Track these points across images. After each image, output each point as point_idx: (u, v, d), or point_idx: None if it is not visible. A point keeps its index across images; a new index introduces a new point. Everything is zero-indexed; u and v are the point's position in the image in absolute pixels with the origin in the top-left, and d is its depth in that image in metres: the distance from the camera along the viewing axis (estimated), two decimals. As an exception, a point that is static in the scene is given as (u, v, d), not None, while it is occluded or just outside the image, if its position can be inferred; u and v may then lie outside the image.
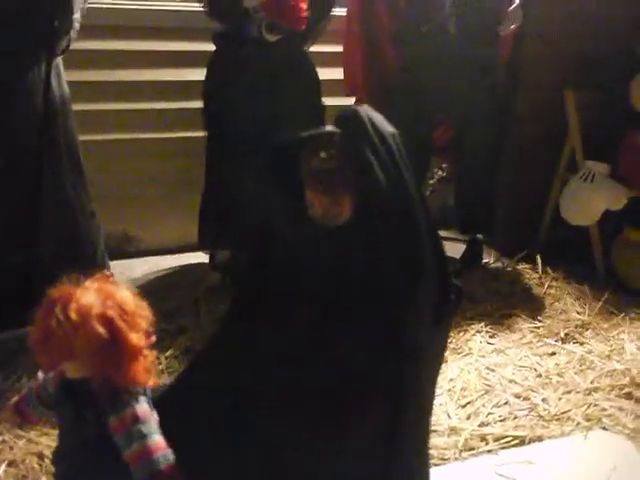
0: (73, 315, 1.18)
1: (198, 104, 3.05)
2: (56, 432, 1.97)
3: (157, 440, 1.25)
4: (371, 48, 3.20)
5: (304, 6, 2.55)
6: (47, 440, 1.96)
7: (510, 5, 2.88)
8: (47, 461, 1.88)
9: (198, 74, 3.03)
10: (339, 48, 3.21)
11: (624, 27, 3.14)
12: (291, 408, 1.41)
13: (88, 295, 1.22)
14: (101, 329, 1.19)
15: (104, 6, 2.82)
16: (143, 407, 1.27)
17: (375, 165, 1.36)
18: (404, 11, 3.07)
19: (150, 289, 3.02)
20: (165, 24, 3.03)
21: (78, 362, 1.22)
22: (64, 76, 2.53)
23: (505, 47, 3.07)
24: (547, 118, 3.22)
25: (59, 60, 2.48)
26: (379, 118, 1.43)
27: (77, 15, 2.40)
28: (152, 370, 1.29)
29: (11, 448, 1.93)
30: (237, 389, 1.47)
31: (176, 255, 3.30)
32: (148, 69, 3.07)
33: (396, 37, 3.13)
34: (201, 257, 3.19)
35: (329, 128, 1.46)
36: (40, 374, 1.42)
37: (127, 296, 1.26)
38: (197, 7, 2.79)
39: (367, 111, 1.43)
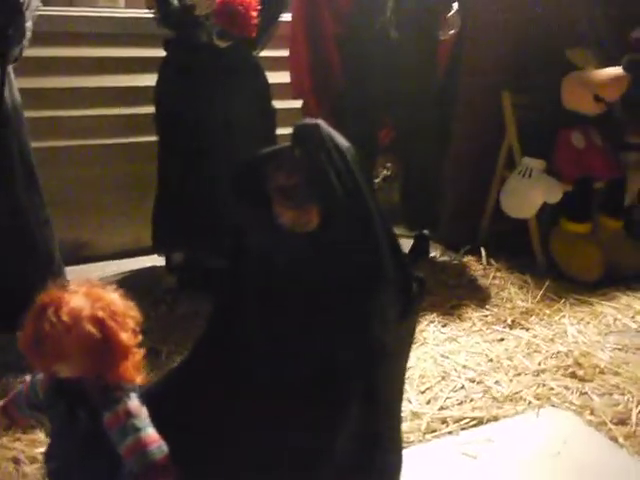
0: (65, 317, 1.22)
1: (149, 109, 3.09)
2: (28, 437, 2.03)
3: (151, 433, 1.30)
4: (316, 52, 3.28)
5: (254, 13, 2.61)
6: (20, 445, 1.97)
7: (449, 11, 3.02)
8: (22, 465, 1.90)
9: (149, 80, 3.08)
10: (286, 52, 3.30)
11: (556, 30, 3.32)
12: (276, 404, 1.47)
13: (77, 298, 1.27)
14: (93, 329, 1.24)
15: (54, 13, 2.81)
16: (135, 402, 1.31)
17: (333, 175, 1.45)
18: (347, 16, 3.18)
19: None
20: (115, 30, 3.04)
21: (71, 362, 1.26)
22: (15, 83, 2.54)
23: (444, 51, 3.21)
24: (485, 118, 3.39)
25: (10, 68, 2.49)
26: (335, 133, 1.52)
27: (29, 23, 2.41)
28: (141, 367, 1.35)
29: (-17, 455, 1.94)
30: (224, 385, 1.53)
31: (131, 259, 3.32)
32: (99, 75, 3.08)
33: (339, 41, 3.23)
34: (156, 260, 3.22)
35: (289, 144, 1.52)
36: (27, 377, 1.45)
37: (115, 298, 1.31)
38: (147, 14, 2.82)
39: (324, 126, 1.50)
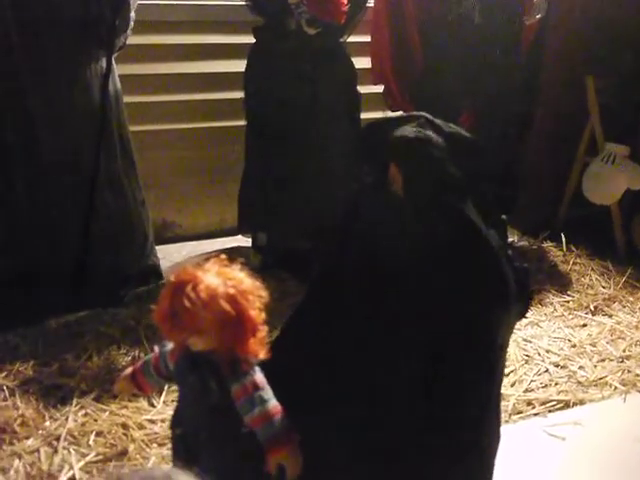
0: (203, 294, 1.32)
1: (234, 95, 3.19)
2: (134, 405, 2.16)
3: (276, 404, 1.40)
4: (398, 38, 3.31)
5: (345, 0, 2.67)
6: (127, 412, 2.12)
7: (535, -4, 3.01)
8: (131, 430, 2.03)
9: (234, 66, 3.17)
10: (367, 38, 3.34)
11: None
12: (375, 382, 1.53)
13: (211, 276, 1.36)
14: (227, 306, 1.33)
15: (149, 2, 2.92)
16: (260, 375, 1.42)
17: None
18: (430, 1, 3.20)
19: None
20: (206, 18, 3.14)
21: (205, 336, 1.36)
22: (116, 71, 2.67)
23: (528, 36, 3.20)
24: (568, 103, 3.36)
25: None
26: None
27: (132, 13, 2.53)
28: (265, 343, 1.43)
29: (95, 420, 2.08)
30: (324, 359, 1.60)
31: (213, 240, 3.44)
32: (189, 62, 3.18)
33: (422, 27, 3.25)
34: (237, 241, 3.33)
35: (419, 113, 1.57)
36: (156, 348, 1.56)
37: (244, 277, 1.39)
38: (238, 1, 2.92)
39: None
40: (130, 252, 2.81)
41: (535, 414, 2.15)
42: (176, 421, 1.54)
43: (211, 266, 1.39)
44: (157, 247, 3.00)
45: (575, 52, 3.31)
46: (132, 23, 2.53)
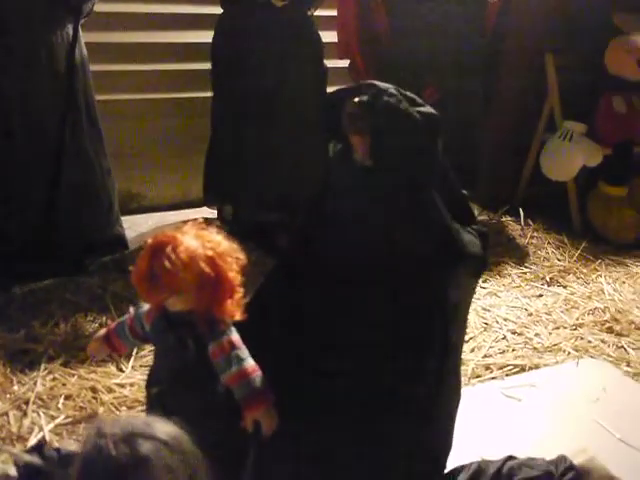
0: (182, 255, 1.35)
1: (202, 66, 3.19)
2: (102, 369, 2.18)
3: (252, 363, 1.45)
4: (364, 12, 3.33)
5: (314, -28, 2.69)
6: (96, 376, 2.14)
7: (499, -26, 3.07)
8: (100, 394, 2.06)
9: (202, 36, 3.17)
10: (333, 12, 3.36)
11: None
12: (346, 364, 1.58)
13: (190, 239, 1.39)
14: (207, 267, 1.37)
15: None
16: (236, 335, 1.46)
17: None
18: (395, -24, 3.23)
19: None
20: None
21: (184, 296, 1.40)
22: (82, 38, 2.64)
23: (492, 13, 3.26)
24: (528, 81, 3.45)
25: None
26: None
27: (100, -21, 2.51)
28: (241, 305, 1.47)
29: (64, 384, 2.10)
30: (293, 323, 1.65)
31: (178, 211, 3.45)
32: (157, 31, 3.17)
33: (387, 1, 3.28)
34: (203, 212, 3.34)
35: (370, 81, 1.60)
36: (131, 309, 1.59)
37: (222, 239, 1.43)
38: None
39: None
40: (95, 221, 2.80)
41: (493, 378, 2.24)
42: (152, 381, 1.58)
43: (189, 229, 1.42)
44: (123, 217, 2.99)
45: (536, 29, 3.38)
46: (99, -10, 2.52)
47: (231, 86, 2.95)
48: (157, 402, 1.56)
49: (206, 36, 3.03)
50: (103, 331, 1.65)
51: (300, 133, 2.99)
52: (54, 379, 2.12)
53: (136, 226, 3.23)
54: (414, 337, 1.58)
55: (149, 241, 1.42)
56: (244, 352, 1.46)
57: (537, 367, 2.31)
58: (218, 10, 2.95)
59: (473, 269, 1.64)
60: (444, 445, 1.71)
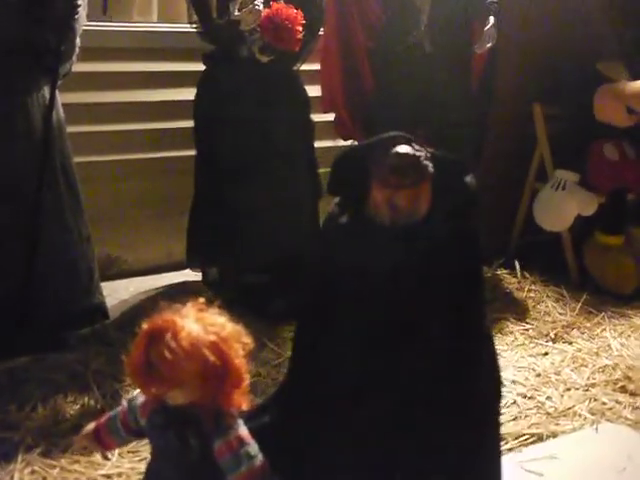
0: (184, 343, 1.20)
1: (182, 124, 3.09)
2: (85, 459, 2.00)
3: (262, 460, 1.29)
4: (348, 66, 3.28)
5: (299, 28, 2.61)
6: (80, 467, 1.95)
7: (485, 25, 3.02)
8: (85, 489, 1.88)
9: (183, 94, 3.08)
10: (317, 66, 3.29)
11: (585, 45, 3.35)
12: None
13: (191, 323, 1.24)
14: (212, 356, 1.22)
15: (92, 28, 2.79)
16: (245, 429, 1.31)
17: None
18: (379, 29, 3.18)
19: (142, 310, 3.02)
20: (153, 45, 3.04)
21: (187, 389, 1.24)
22: (59, 99, 2.52)
23: (479, 64, 3.22)
24: (517, 131, 3.40)
25: (55, 84, 2.47)
26: None
27: (78, 40, 2.41)
28: (247, 393, 1.33)
29: (44, 478, 1.91)
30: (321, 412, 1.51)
31: (160, 275, 3.30)
32: (136, 90, 3.07)
33: (372, 56, 3.23)
34: (186, 276, 3.21)
35: (392, 133, 1.50)
36: (124, 402, 1.43)
37: (225, 322, 1.28)
38: (187, 28, 2.82)
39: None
40: (74, 291, 2.64)
41: (509, 449, 2.09)
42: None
43: (188, 311, 1.27)
44: (102, 284, 2.83)
45: (524, 80, 3.35)
46: (77, 49, 2.41)
47: (215, 145, 2.85)
48: None
49: (187, 94, 2.93)
50: (92, 426, 1.46)
51: (288, 191, 2.89)
52: (33, 472, 1.93)
53: (116, 293, 3.07)
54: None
55: (144, 327, 1.27)
56: (254, 448, 1.30)
57: (554, 435, 2.17)
58: (199, 67, 2.86)
59: None
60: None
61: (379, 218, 1.46)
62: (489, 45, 3.05)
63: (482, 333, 1.55)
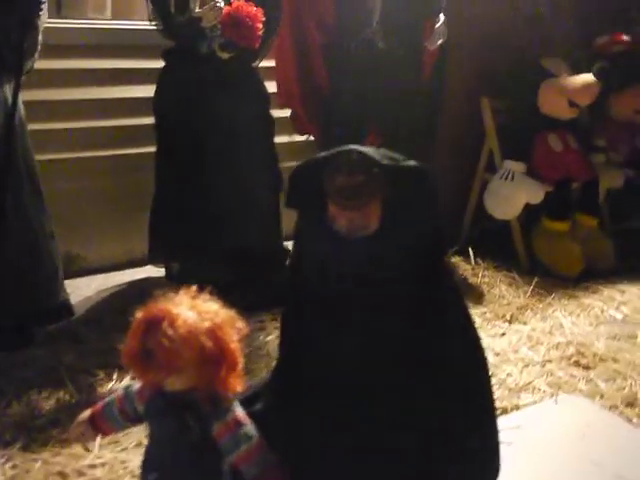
0: (181, 331, 1.24)
1: (140, 121, 3.11)
2: (67, 451, 2.01)
3: (260, 440, 1.34)
4: (303, 62, 3.34)
5: (260, 25, 2.67)
6: (62, 459, 1.96)
7: (436, 23, 3.14)
8: (70, 479, 1.89)
9: (140, 91, 3.09)
10: (272, 62, 3.34)
11: (530, 42, 3.51)
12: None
13: (186, 311, 1.28)
14: (209, 342, 1.26)
15: (55, 25, 2.78)
16: (241, 411, 1.36)
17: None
18: (332, 26, 3.26)
19: (107, 306, 3.01)
20: (114, 42, 3.04)
21: (184, 375, 1.28)
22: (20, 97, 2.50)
23: (430, 60, 3.33)
24: (466, 124, 3.54)
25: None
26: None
27: (40, 37, 2.40)
28: (242, 376, 1.37)
29: (27, 471, 1.91)
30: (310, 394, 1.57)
31: (121, 271, 3.30)
32: (89, 87, 3.06)
33: (326, 52, 3.30)
34: (147, 272, 3.21)
35: (347, 148, 1.53)
36: (120, 390, 1.46)
37: (219, 308, 1.33)
38: (142, 25, 2.84)
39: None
40: (39, 288, 2.63)
41: (476, 423, 2.20)
42: (148, 466, 1.43)
43: (182, 299, 1.31)
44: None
45: (473, 74, 3.49)
46: (39, 47, 2.40)
47: (176, 140, 2.86)
48: None
49: (146, 90, 2.95)
50: (87, 413, 1.49)
51: (249, 186, 2.93)
52: (14, 466, 1.93)
53: (79, 290, 3.06)
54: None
55: (139, 315, 1.30)
56: (251, 428, 1.35)
57: (517, 408, 2.29)
58: (158, 64, 2.88)
59: None
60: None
61: (337, 228, 1.51)
62: (440, 42, 3.17)
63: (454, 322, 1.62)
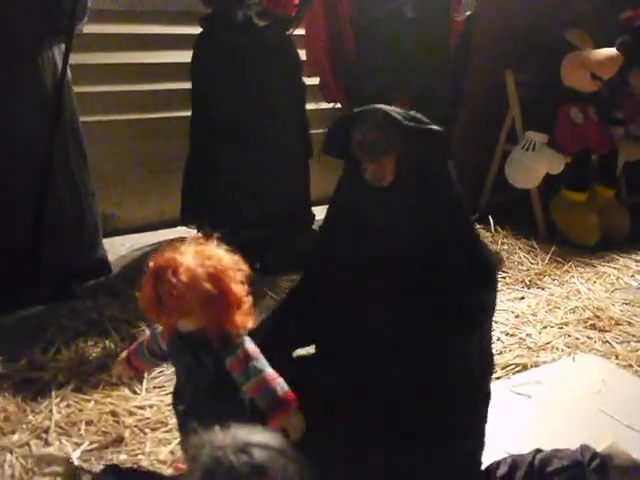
0: (184, 278, 1.34)
1: (175, 85, 3.21)
2: (116, 393, 2.15)
3: (271, 372, 1.45)
4: (333, 31, 3.42)
5: (297, -6, 2.75)
6: (113, 400, 2.11)
7: (465, -6, 3.21)
8: (122, 417, 2.03)
9: (177, 56, 3.18)
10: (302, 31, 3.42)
11: (553, 18, 3.58)
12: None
13: (190, 258, 1.37)
14: (210, 286, 1.36)
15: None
16: (251, 345, 1.46)
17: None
18: (361, -2, 3.33)
19: (141, 264, 3.12)
20: (152, 7, 3.13)
21: (193, 317, 1.40)
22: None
23: (456, 30, 3.40)
24: (490, 95, 3.62)
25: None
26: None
27: (89, 1, 2.50)
28: (252, 313, 1.46)
29: (81, 410, 2.06)
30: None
31: (153, 232, 3.43)
32: (132, 52, 3.16)
33: (355, 21, 3.38)
34: (179, 232, 3.32)
35: (375, 106, 1.64)
36: (147, 330, 1.59)
37: (222, 253, 1.41)
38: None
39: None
40: (81, 244, 2.76)
41: (498, 377, 2.33)
42: (177, 399, 1.58)
43: (188, 246, 1.40)
44: (98, 240, 2.96)
45: (498, 47, 3.56)
46: (87, 11, 2.50)
47: (211, 105, 2.97)
48: (185, 419, 1.57)
49: (183, 56, 3.04)
50: (124, 353, 1.66)
51: (280, 152, 3.04)
52: (69, 406, 2.08)
53: (114, 249, 3.18)
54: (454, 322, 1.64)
55: (150, 264, 1.41)
56: (261, 362, 1.45)
57: (536, 365, 2.41)
58: (196, 30, 2.97)
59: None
60: (479, 441, 1.79)
61: (369, 179, 1.63)
62: (468, 13, 3.24)
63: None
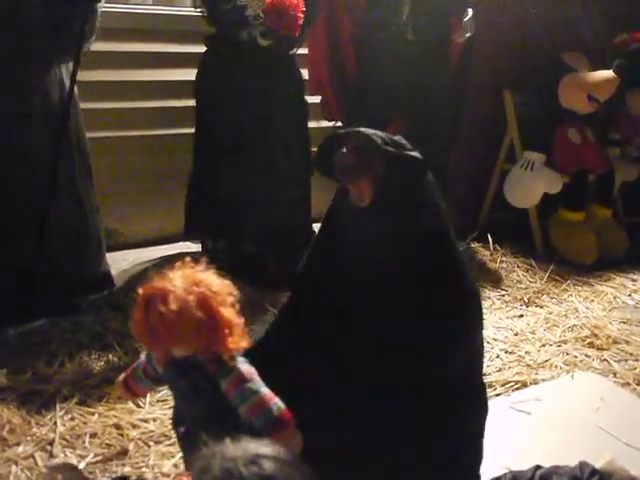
0: (174, 306, 1.34)
1: (179, 103, 3.26)
2: (120, 406, 2.17)
3: (267, 392, 1.44)
4: (334, 51, 3.48)
5: (301, 14, 2.80)
6: (117, 413, 2.12)
7: (464, 16, 3.27)
8: (126, 430, 2.05)
9: (180, 74, 3.24)
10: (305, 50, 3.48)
11: (550, 38, 3.65)
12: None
13: (179, 285, 1.37)
14: (200, 313, 1.36)
15: (104, 10, 2.91)
16: (246, 367, 1.46)
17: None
18: (364, 18, 3.39)
19: (144, 278, 3.14)
20: (158, 27, 3.19)
21: (184, 343, 1.41)
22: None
23: (456, 52, 3.46)
24: (488, 113, 3.68)
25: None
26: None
27: (97, 20, 2.54)
28: (244, 334, 1.46)
29: (85, 423, 2.08)
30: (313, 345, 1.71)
31: (155, 247, 3.45)
32: (138, 69, 3.20)
33: (356, 41, 3.43)
34: (180, 248, 3.36)
35: (359, 129, 1.68)
36: (142, 355, 1.61)
37: (211, 277, 1.42)
38: (190, 11, 2.97)
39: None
40: (85, 258, 2.79)
41: (497, 395, 2.36)
42: (177, 420, 1.60)
43: (176, 272, 1.41)
44: (103, 255, 2.98)
45: (496, 68, 3.62)
46: (96, 30, 2.55)
47: (214, 122, 3.01)
48: (187, 441, 1.57)
49: (188, 74, 3.09)
50: (122, 376, 1.67)
51: (282, 169, 3.08)
52: (73, 418, 2.10)
53: (116, 263, 3.20)
54: (434, 346, 1.69)
55: (140, 292, 1.41)
56: (256, 383, 1.45)
57: (536, 382, 2.44)
58: (200, 48, 3.02)
59: None
60: (477, 455, 1.81)
61: (352, 199, 1.69)
62: (468, 35, 3.30)
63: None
